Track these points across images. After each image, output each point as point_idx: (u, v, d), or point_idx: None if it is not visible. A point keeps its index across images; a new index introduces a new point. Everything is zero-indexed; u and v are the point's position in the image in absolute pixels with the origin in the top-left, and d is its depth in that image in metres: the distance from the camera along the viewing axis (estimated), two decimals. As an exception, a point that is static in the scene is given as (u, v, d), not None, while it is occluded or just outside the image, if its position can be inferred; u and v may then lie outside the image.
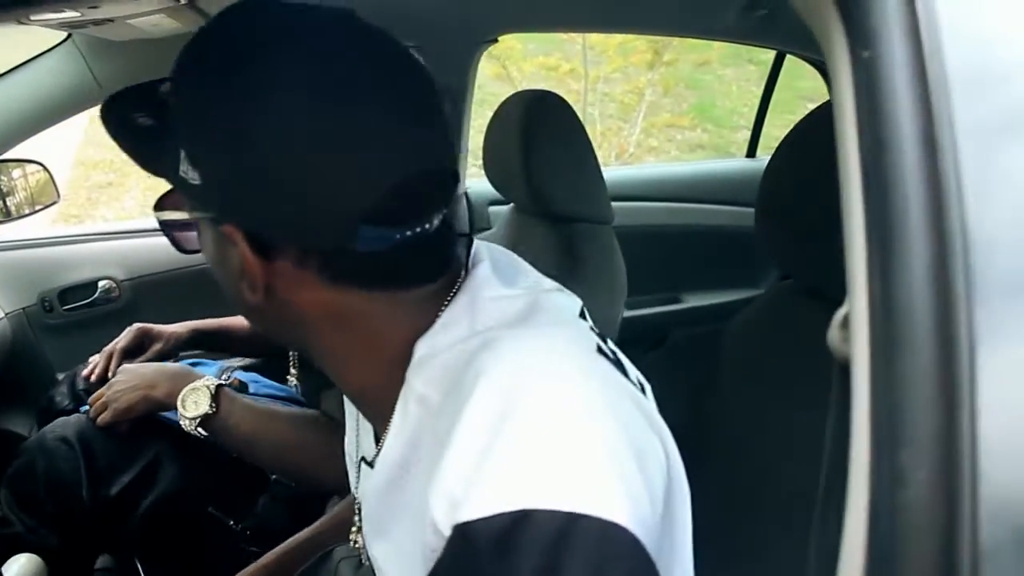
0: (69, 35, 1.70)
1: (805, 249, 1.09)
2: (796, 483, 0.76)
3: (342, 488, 1.33)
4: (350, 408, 0.93)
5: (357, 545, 0.94)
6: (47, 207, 2.23)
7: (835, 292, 1.05)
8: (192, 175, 0.66)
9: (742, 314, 1.27)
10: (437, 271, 0.73)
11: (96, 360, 1.71)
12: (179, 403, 1.39)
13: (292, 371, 1.69)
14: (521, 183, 1.63)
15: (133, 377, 1.46)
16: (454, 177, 0.71)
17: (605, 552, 0.56)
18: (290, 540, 1.24)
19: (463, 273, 0.75)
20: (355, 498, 0.94)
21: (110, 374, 1.65)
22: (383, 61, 0.67)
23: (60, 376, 1.89)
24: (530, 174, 1.60)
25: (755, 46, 2.28)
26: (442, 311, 0.72)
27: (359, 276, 0.69)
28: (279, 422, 1.44)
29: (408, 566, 0.70)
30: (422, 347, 0.70)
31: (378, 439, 0.81)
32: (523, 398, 0.60)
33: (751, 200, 2.43)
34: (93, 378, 1.69)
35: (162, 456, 1.45)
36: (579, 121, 1.69)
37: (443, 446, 0.62)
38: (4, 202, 2.11)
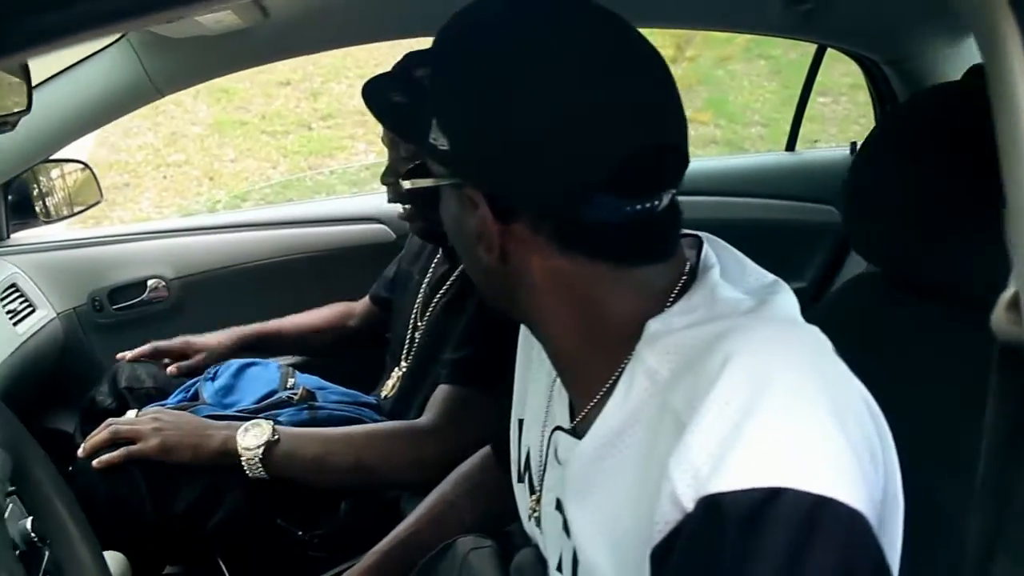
0: (123, 34, 1.71)
1: (897, 239, 1.09)
2: (911, 478, 0.75)
3: (424, 490, 1.34)
4: (537, 376, 0.96)
5: (536, 514, 0.95)
6: (90, 207, 2.24)
7: (924, 279, 1.06)
8: (441, 141, 0.73)
9: (821, 304, 1.27)
10: (664, 251, 0.76)
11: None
12: (239, 437, 1.39)
13: (403, 364, 1.69)
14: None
15: (184, 422, 1.45)
16: (684, 157, 0.75)
17: (850, 540, 0.57)
18: (388, 539, 1.23)
19: (687, 267, 0.78)
20: (533, 470, 0.96)
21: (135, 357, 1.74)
22: (626, 38, 0.72)
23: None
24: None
25: (797, 40, 2.27)
26: (672, 299, 0.75)
27: (588, 246, 0.73)
28: (346, 440, 1.45)
29: (613, 532, 0.73)
30: (655, 324, 0.72)
31: (573, 408, 0.85)
32: (775, 382, 0.61)
33: (791, 193, 2.46)
34: (129, 357, 1.76)
35: (227, 472, 1.42)
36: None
37: (680, 422, 0.64)
38: (44, 202, 2.12)
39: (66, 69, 1.75)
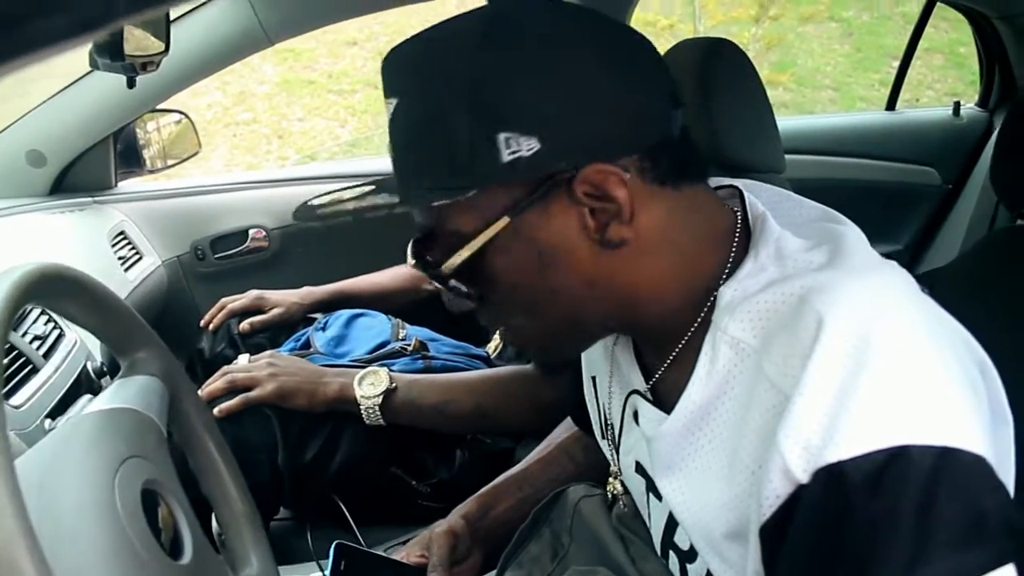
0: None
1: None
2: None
3: (543, 434, 1.34)
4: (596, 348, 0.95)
5: (616, 490, 0.95)
6: (189, 157, 2.26)
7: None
8: (527, 146, 0.66)
9: (965, 256, 1.24)
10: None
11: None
12: (356, 385, 1.39)
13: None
14: (699, 132, 1.60)
15: (299, 368, 1.45)
16: None
17: (977, 485, 0.56)
18: (501, 476, 1.23)
19: (738, 217, 0.77)
20: (607, 429, 0.95)
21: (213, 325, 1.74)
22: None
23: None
24: (710, 122, 1.57)
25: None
26: (734, 249, 0.74)
27: (676, 167, 0.73)
28: (464, 387, 1.45)
29: (704, 504, 0.72)
30: (728, 291, 0.71)
31: (646, 371, 0.84)
32: (874, 339, 0.60)
33: (890, 154, 2.40)
34: (212, 326, 1.76)
35: (345, 420, 1.43)
36: (755, 70, 1.65)
37: (780, 391, 0.62)
38: (147, 152, 2.15)
39: (178, 17, 1.76)
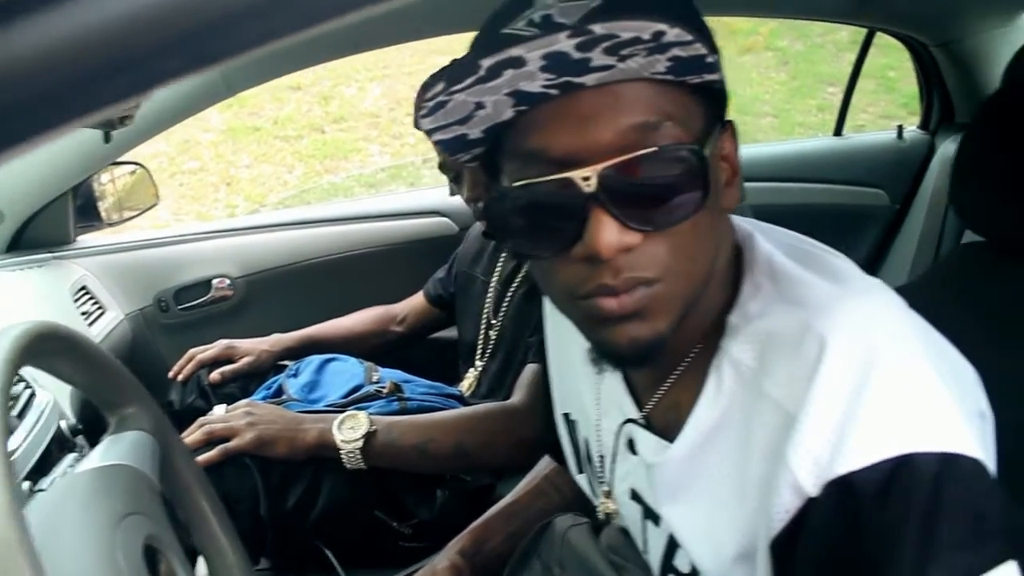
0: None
1: (1006, 208, 1.10)
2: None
3: (524, 470, 1.35)
4: (574, 368, 0.95)
5: (610, 510, 0.96)
6: (148, 209, 2.24)
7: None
8: (720, 76, 0.68)
9: (927, 274, 1.28)
10: None
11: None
12: (335, 430, 1.40)
13: (478, 363, 1.70)
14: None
15: (277, 416, 1.45)
16: None
17: (977, 487, 0.59)
18: (490, 510, 1.24)
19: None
20: (595, 462, 0.95)
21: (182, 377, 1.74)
22: None
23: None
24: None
25: (848, 24, 2.27)
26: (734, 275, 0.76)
27: None
28: (444, 426, 1.46)
29: (710, 526, 0.74)
30: (735, 317, 0.73)
31: (636, 395, 0.84)
32: (877, 357, 0.63)
33: (841, 177, 2.46)
34: (181, 377, 1.76)
35: (325, 465, 1.43)
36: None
37: (785, 411, 0.65)
38: (105, 205, 2.12)
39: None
